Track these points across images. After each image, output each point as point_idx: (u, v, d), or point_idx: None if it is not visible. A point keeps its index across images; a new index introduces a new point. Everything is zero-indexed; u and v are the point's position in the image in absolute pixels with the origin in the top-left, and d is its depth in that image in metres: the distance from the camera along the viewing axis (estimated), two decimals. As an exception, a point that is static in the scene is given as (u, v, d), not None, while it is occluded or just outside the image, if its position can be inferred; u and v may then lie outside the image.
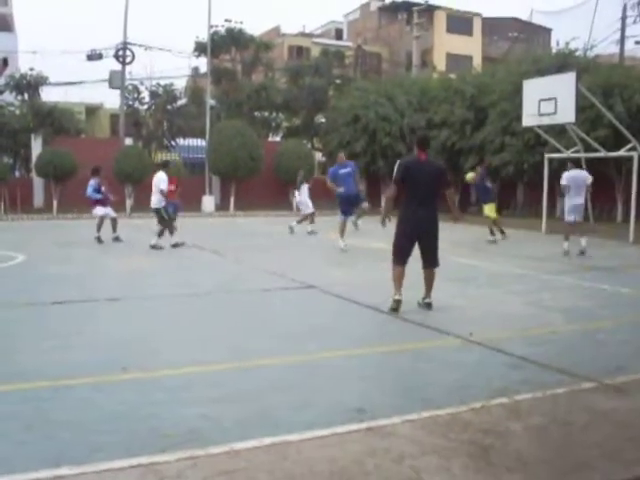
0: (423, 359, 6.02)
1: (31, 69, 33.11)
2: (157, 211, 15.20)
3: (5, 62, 40.80)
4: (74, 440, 3.96)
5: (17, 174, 31.92)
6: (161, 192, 14.96)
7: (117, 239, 16.16)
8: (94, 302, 8.62)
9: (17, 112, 31.54)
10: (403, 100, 29.92)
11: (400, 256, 8.00)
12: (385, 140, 29.43)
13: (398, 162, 8.16)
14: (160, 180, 15.07)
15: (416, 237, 8.02)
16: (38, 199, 29.77)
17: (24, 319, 7.65)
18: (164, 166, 15.83)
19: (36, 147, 29.64)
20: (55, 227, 16.03)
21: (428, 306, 8.05)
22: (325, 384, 5.18)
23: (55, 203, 28.35)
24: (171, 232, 15.11)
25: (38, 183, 29.56)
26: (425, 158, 8.04)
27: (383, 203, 7.97)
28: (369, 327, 7.43)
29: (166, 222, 15.13)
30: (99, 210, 16.22)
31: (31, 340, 6.53)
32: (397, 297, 7.87)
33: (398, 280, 7.95)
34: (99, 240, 15.61)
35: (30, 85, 32.93)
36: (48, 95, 34.73)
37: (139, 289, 9.79)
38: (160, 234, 14.98)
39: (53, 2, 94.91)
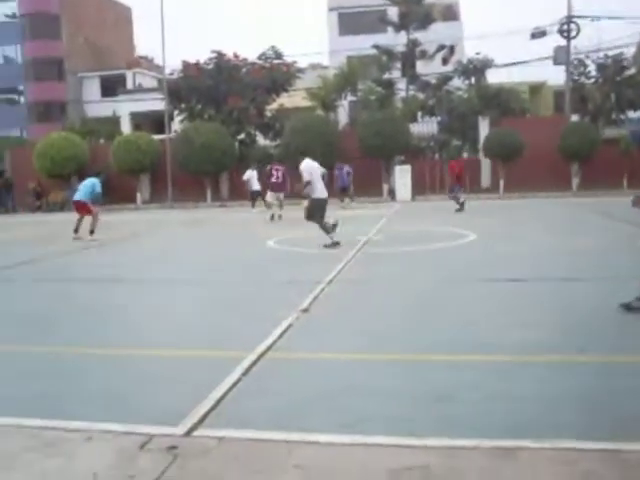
0: None
1: (477, 53, 34.55)
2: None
3: (452, 50, 43.11)
4: (533, 416, 4.04)
5: (465, 155, 33.66)
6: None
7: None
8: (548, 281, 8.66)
9: (465, 96, 33.24)
10: None
11: None
12: None
13: None
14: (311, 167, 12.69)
15: None
16: (485, 179, 30.95)
17: (483, 295, 7.97)
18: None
19: (483, 128, 30.81)
20: (502, 207, 16.47)
21: None
22: None
23: (501, 183, 29.18)
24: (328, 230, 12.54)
25: (485, 164, 30.71)
26: None
27: None
28: None
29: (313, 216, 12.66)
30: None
31: (490, 315, 6.83)
32: None
33: None
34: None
35: (476, 69, 34.36)
36: (493, 77, 35.92)
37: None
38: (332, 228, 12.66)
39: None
